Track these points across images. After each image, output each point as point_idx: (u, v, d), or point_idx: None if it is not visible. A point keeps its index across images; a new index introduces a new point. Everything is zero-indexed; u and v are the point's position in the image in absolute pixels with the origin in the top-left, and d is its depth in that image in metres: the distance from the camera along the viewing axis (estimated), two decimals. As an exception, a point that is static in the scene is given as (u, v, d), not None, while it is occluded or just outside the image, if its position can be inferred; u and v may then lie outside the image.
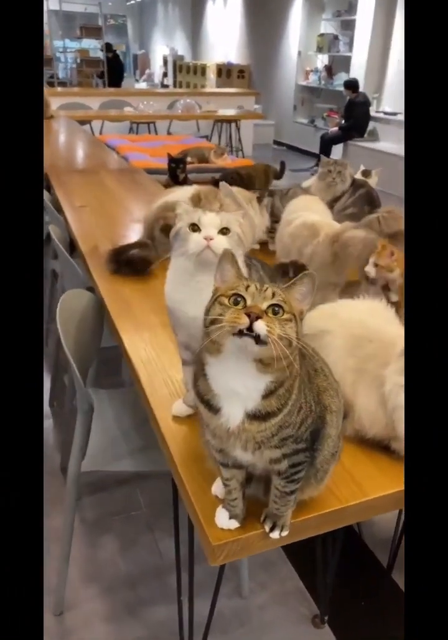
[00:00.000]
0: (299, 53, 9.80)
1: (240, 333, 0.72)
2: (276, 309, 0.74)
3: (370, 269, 1.59)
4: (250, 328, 0.71)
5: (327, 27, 9.56)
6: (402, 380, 1.02)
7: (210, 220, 1.03)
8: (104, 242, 2.15)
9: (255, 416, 0.78)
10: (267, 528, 0.91)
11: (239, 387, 0.77)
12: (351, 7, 8.60)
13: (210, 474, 1.00)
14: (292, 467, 0.83)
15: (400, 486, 1.00)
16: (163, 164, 4.00)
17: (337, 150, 8.16)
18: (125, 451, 1.59)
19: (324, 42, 9.44)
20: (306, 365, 0.84)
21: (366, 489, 0.98)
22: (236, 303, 0.75)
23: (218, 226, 1.03)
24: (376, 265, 1.59)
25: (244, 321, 0.71)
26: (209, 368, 0.80)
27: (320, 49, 9.61)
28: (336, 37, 9.18)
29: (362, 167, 3.10)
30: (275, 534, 0.90)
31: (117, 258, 1.94)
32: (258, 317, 0.71)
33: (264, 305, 0.74)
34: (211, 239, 1.00)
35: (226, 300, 0.75)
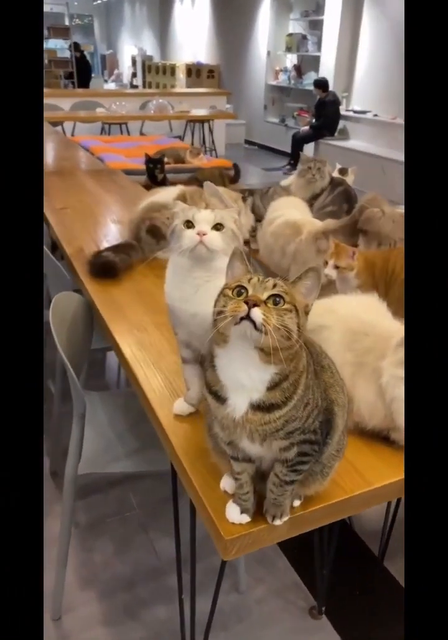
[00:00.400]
0: (268, 53, 9.87)
1: (241, 320, 0.74)
2: (277, 299, 0.76)
3: (330, 272, 1.61)
4: (248, 315, 0.74)
5: (295, 27, 9.64)
6: (398, 372, 1.05)
7: (204, 217, 1.05)
8: (89, 244, 2.15)
9: (259, 407, 0.80)
10: (269, 518, 0.93)
11: (244, 377, 0.79)
12: (319, 7, 8.70)
13: (214, 469, 1.02)
14: (300, 456, 0.86)
15: (400, 475, 1.03)
16: (139, 164, 4.00)
17: (309, 149, 8.25)
18: (121, 453, 1.59)
19: (293, 41, 9.52)
20: (313, 362, 0.86)
21: (370, 479, 1.01)
22: (239, 294, 0.78)
23: (212, 222, 1.05)
24: (337, 267, 1.61)
25: (243, 308, 0.74)
26: (217, 359, 0.83)
27: (288, 49, 9.69)
28: (304, 37, 9.27)
29: (338, 166, 3.15)
30: (277, 522, 0.93)
31: (96, 262, 1.93)
32: (255, 305, 0.74)
33: (264, 295, 0.77)
34: (203, 234, 1.02)
35: (230, 292, 0.79)
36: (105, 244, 2.15)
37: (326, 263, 1.63)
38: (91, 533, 2.00)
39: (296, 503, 0.96)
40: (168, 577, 1.83)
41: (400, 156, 7.08)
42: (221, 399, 0.82)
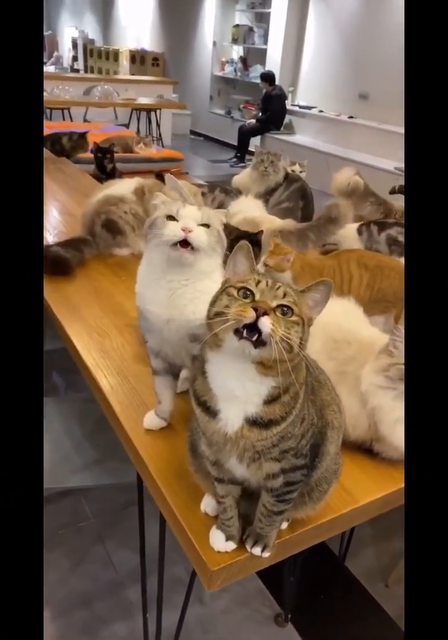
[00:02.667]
0: (214, 43, 9.76)
1: (239, 335, 0.68)
2: (285, 309, 0.70)
3: (259, 268, 1.59)
4: (255, 324, 0.67)
5: (242, 18, 9.59)
6: (378, 379, 1.02)
7: (190, 213, 0.96)
8: (38, 239, 2.00)
9: (255, 422, 0.73)
10: (249, 546, 0.86)
11: (238, 389, 0.72)
12: (266, 0, 8.68)
13: (194, 489, 0.95)
14: (287, 485, 0.79)
15: (386, 489, 1.00)
16: (86, 153, 3.83)
17: (255, 143, 8.23)
18: (79, 465, 1.49)
19: (239, 33, 9.46)
20: (311, 375, 0.80)
21: (356, 495, 0.97)
22: (244, 297, 0.70)
23: (198, 220, 0.96)
24: (266, 265, 1.58)
25: (250, 315, 0.67)
26: (209, 365, 0.75)
27: (235, 40, 9.62)
28: (251, 29, 9.22)
29: (288, 159, 3.10)
30: (256, 550, 0.85)
31: (45, 256, 1.78)
32: (265, 313, 0.67)
33: (273, 304, 0.70)
34: (189, 231, 0.94)
35: (234, 292, 0.71)
36: (52, 239, 2.01)
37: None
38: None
39: (284, 525, 0.90)
40: (127, 591, 1.75)
41: (344, 152, 7.19)
42: (211, 411, 0.75)
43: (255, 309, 0.67)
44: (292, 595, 1.68)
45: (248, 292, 0.71)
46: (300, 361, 0.72)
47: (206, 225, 0.96)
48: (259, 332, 0.67)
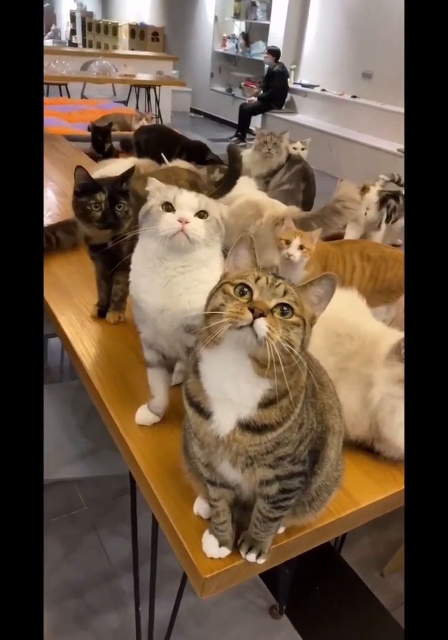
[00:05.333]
0: (215, 18, 9.54)
1: (240, 328, 0.63)
2: (285, 309, 0.65)
3: (294, 253, 1.52)
4: (251, 325, 0.62)
5: (244, -8, 9.36)
6: (394, 390, 0.95)
7: (187, 201, 0.91)
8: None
9: (248, 426, 0.69)
10: (243, 552, 0.82)
11: (231, 389, 0.68)
12: (269, -26, 8.47)
13: (187, 489, 0.91)
14: (283, 492, 0.75)
15: (388, 491, 0.96)
16: (82, 130, 3.74)
17: (256, 122, 8.10)
18: (74, 455, 1.45)
19: (241, 8, 9.24)
20: (312, 377, 0.76)
21: (356, 497, 0.93)
22: (242, 294, 0.66)
23: (196, 208, 0.91)
24: (301, 247, 1.53)
25: (247, 317, 0.63)
26: (202, 364, 0.70)
27: (237, 15, 9.40)
28: (253, 4, 8.99)
29: (288, 136, 2.98)
30: (251, 557, 0.82)
31: None
32: (261, 315, 0.63)
33: (272, 303, 0.65)
34: (186, 222, 0.89)
35: (231, 289, 0.66)
36: (47, 221, 1.95)
37: (285, 243, 1.54)
38: (35, 535, 1.85)
39: (281, 530, 0.86)
40: (119, 581, 1.73)
41: (346, 132, 7.07)
42: (204, 412, 0.70)
43: (251, 311, 0.62)
44: (286, 587, 1.65)
45: (246, 289, 0.66)
46: (299, 363, 0.67)
47: (205, 213, 0.91)
48: (256, 335, 0.62)
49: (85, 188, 1.24)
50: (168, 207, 0.89)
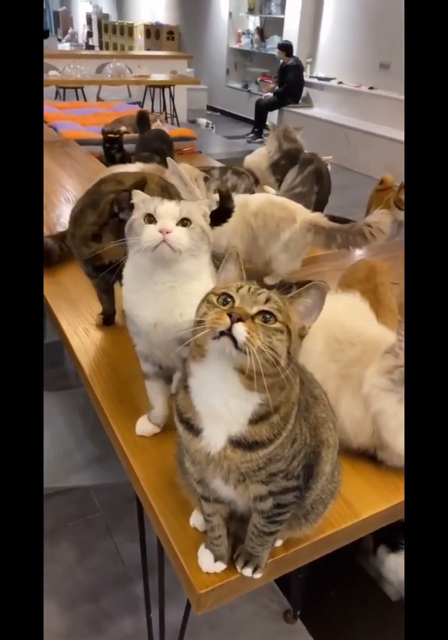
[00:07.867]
0: (230, 14, 9.50)
1: (220, 335, 0.62)
2: (267, 316, 0.64)
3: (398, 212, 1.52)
4: (230, 330, 0.62)
5: (258, -13, 9.30)
6: (381, 381, 0.95)
7: (168, 210, 0.90)
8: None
9: (239, 443, 0.68)
10: (239, 566, 0.81)
11: (220, 406, 0.67)
12: (283, -33, 8.39)
13: (187, 502, 0.90)
14: (277, 507, 0.74)
15: (391, 501, 0.94)
16: (96, 134, 3.74)
17: (272, 117, 8.04)
18: (82, 463, 1.46)
19: (255, 3, 9.19)
20: (305, 390, 0.74)
21: (358, 509, 0.91)
22: (224, 303, 0.65)
23: (177, 217, 0.90)
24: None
25: (225, 322, 0.62)
26: (191, 379, 0.70)
27: (251, 10, 9.36)
28: (268, -2, 8.95)
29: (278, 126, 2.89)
30: (247, 572, 0.81)
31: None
32: (239, 319, 0.62)
33: (253, 310, 0.64)
34: (168, 232, 0.87)
35: (214, 299, 0.66)
36: (58, 229, 1.96)
37: (389, 205, 1.53)
38: (50, 539, 1.87)
39: (278, 543, 0.85)
40: (134, 586, 1.73)
41: (364, 125, 6.98)
42: (194, 429, 0.70)
43: (230, 316, 0.62)
44: (301, 591, 1.64)
45: (229, 299, 0.65)
46: (287, 377, 0.65)
47: (187, 221, 0.89)
48: (236, 341, 0.61)
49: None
50: (150, 218, 0.89)
